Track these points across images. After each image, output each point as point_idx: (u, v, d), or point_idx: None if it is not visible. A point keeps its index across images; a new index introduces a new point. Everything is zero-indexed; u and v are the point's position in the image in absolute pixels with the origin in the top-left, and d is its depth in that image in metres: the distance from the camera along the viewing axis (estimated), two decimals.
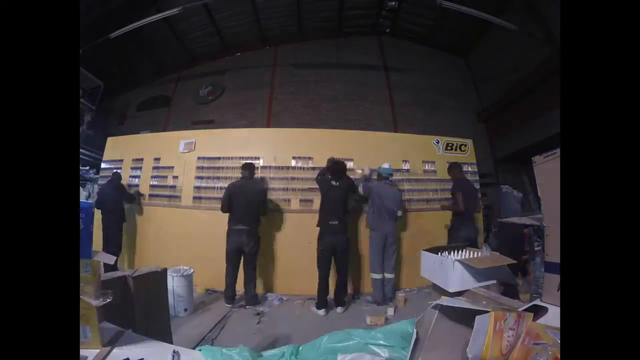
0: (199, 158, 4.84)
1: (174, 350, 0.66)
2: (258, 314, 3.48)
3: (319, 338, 1.10)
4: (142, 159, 5.15)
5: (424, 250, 2.48)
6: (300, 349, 1.07)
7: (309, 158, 4.65)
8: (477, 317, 0.74)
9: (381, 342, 0.99)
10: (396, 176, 4.55)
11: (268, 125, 7.94)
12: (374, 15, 8.74)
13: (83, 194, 8.69)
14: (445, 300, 0.86)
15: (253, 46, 9.64)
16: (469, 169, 4.97)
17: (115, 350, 0.63)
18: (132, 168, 5.16)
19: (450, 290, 2.03)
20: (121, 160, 5.26)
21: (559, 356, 0.66)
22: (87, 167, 9.09)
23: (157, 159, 5.06)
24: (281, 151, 4.69)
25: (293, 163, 4.64)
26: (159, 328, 1.47)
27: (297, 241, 4.32)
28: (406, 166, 4.83)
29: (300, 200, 4.52)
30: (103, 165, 5.50)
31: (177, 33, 8.97)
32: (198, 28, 8.92)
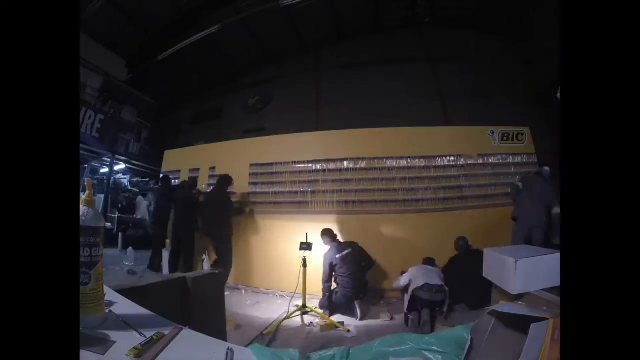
0: (251, 165, 5.03)
1: (228, 347, 0.69)
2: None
3: (371, 342, 1.08)
4: (198, 169, 5.52)
5: (487, 249, 2.28)
6: (351, 351, 1.06)
7: (361, 159, 4.59)
8: (533, 325, 0.69)
9: (434, 347, 0.94)
10: (451, 172, 4.36)
11: (318, 129, 8.01)
12: (410, 5, 8.41)
13: (144, 203, 9.64)
14: (501, 306, 0.80)
15: (294, 52, 9.80)
16: (528, 160, 4.53)
17: (170, 346, 0.66)
18: (190, 177, 5.52)
19: (513, 293, 1.87)
20: (179, 171, 5.69)
21: None
22: (147, 179, 10.08)
23: (212, 168, 5.38)
24: (333, 153, 4.68)
25: (345, 164, 4.61)
26: (215, 326, 1.57)
27: None
28: (461, 161, 4.53)
29: (354, 202, 4.48)
30: (162, 177, 6.02)
31: (220, 48, 9.47)
32: (239, 41, 9.33)
